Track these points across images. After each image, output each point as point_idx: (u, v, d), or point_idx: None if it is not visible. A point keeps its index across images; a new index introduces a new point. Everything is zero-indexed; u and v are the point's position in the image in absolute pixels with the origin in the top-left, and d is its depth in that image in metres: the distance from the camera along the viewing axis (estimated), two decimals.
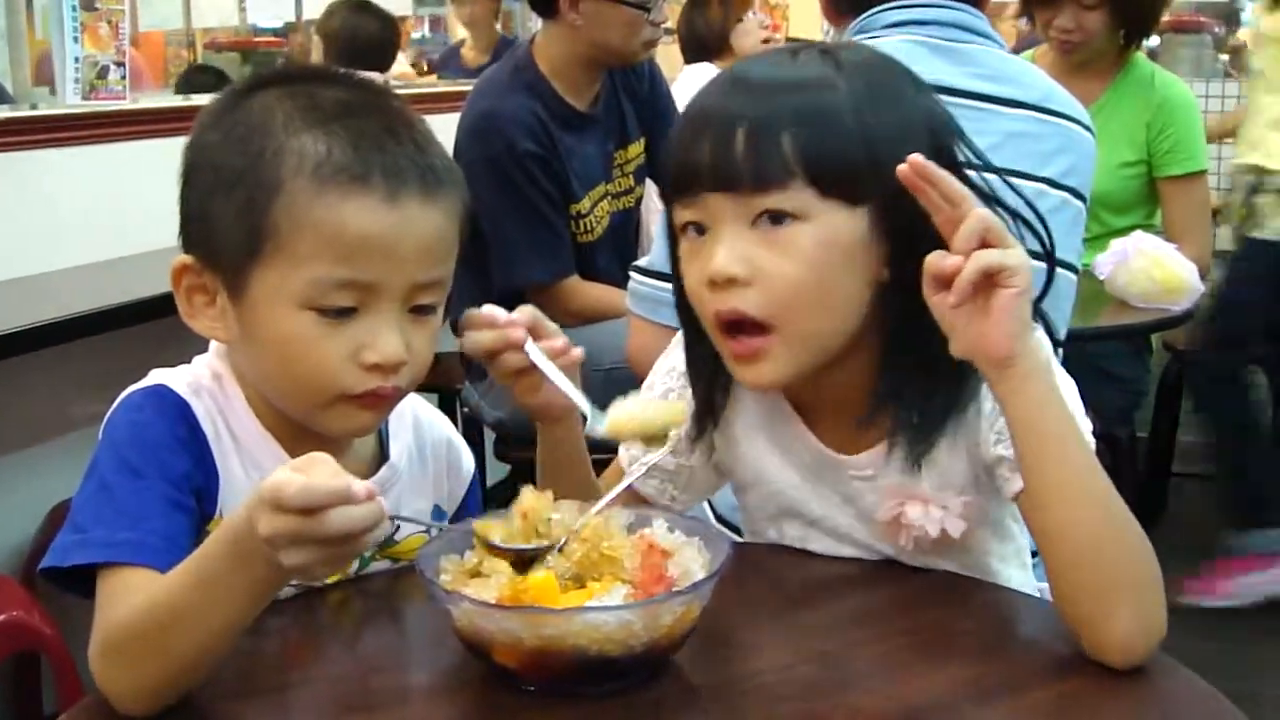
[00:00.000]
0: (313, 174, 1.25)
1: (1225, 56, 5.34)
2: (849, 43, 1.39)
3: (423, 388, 4.28)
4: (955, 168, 1.32)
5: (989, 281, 1.18)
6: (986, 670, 1.24)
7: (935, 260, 1.20)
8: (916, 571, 1.43)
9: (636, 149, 3.30)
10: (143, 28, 6.80)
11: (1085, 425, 1.29)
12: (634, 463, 1.48)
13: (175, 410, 1.31)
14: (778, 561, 1.48)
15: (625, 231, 3.34)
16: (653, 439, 1.33)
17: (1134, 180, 3.70)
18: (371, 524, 1.05)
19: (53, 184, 3.04)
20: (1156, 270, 3.10)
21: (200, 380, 1.35)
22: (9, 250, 2.97)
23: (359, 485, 1.03)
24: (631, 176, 3.30)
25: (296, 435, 1.35)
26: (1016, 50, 3.46)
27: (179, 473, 1.28)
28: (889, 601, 1.37)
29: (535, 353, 1.38)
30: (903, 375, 1.34)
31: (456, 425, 3.87)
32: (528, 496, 1.27)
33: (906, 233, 1.27)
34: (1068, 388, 1.31)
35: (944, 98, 1.99)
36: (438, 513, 1.48)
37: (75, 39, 3.29)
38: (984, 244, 1.18)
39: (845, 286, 1.31)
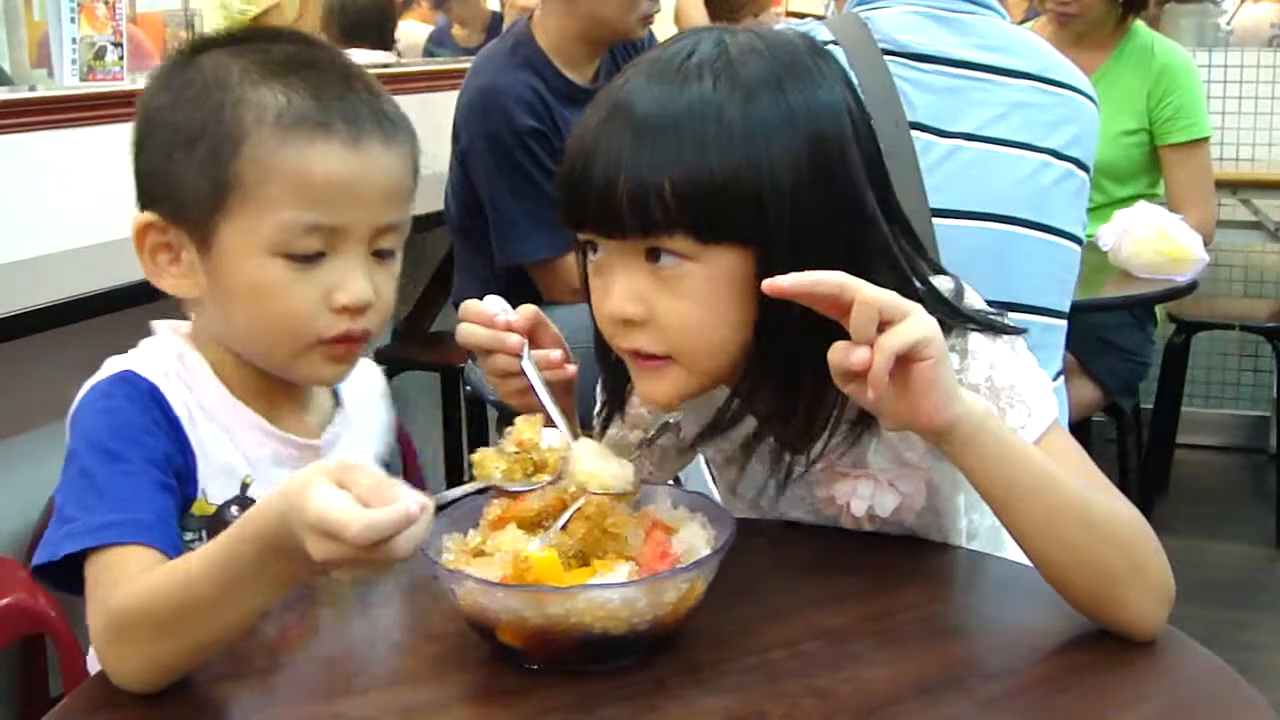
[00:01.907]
0: (275, 122, 1.28)
1: (1227, 26, 5.31)
2: (749, 36, 1.32)
3: (425, 366, 4.26)
4: (849, 181, 1.29)
5: (902, 361, 1.12)
6: (994, 643, 1.24)
7: (840, 358, 1.12)
8: (923, 545, 1.42)
9: None
10: (141, 8, 6.77)
11: (1043, 418, 1.28)
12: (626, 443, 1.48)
13: (147, 395, 1.31)
14: (782, 536, 1.47)
15: None
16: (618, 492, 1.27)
17: (1136, 149, 3.69)
18: (427, 533, 1.05)
19: (51, 166, 3.03)
20: (1161, 241, 3.09)
21: (163, 363, 1.35)
22: (7, 233, 2.97)
23: (414, 503, 1.02)
24: None
25: (266, 394, 1.38)
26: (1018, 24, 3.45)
27: (160, 454, 1.28)
28: (895, 575, 1.37)
29: (531, 370, 1.36)
30: (759, 392, 1.32)
31: (459, 404, 3.91)
32: (521, 427, 1.28)
33: (787, 262, 1.20)
34: (1037, 387, 1.30)
35: (948, 69, 2.00)
36: (379, 465, 1.49)
37: (72, 20, 3.28)
38: (883, 322, 1.11)
39: (738, 319, 1.28)
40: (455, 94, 3.15)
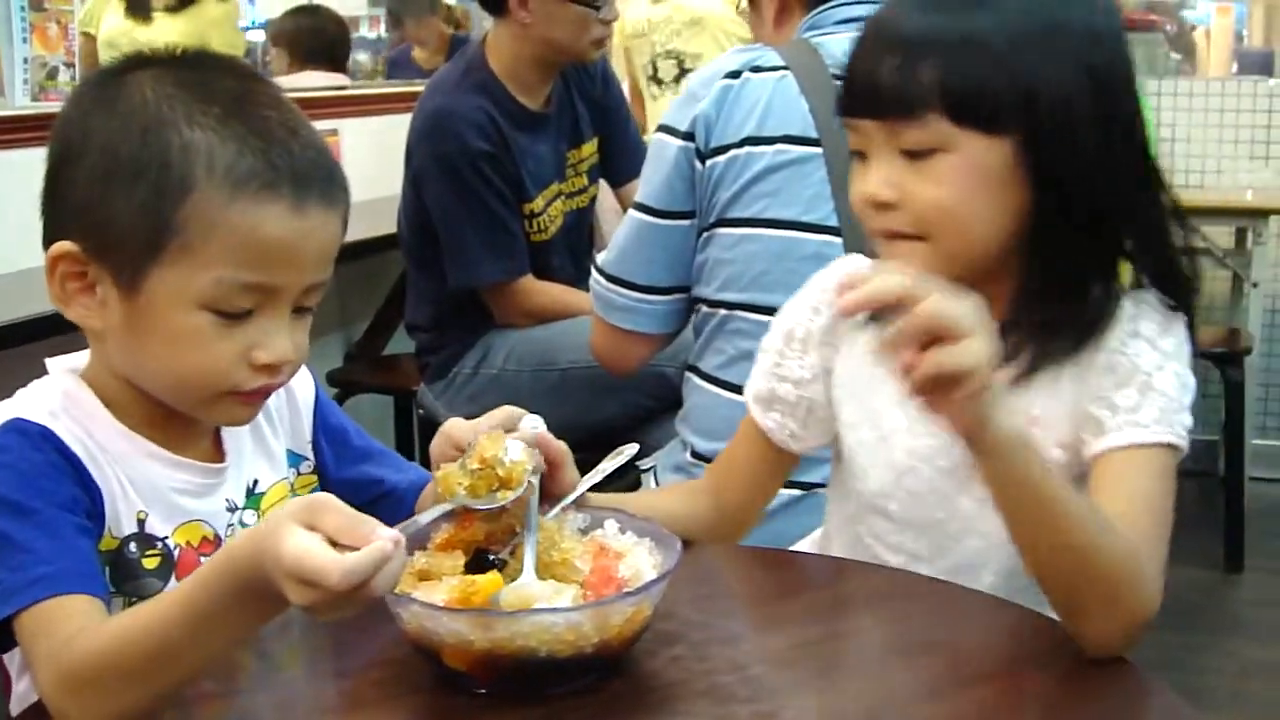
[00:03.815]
0: (224, 177, 1.23)
1: (1178, 56, 5.37)
2: None
3: (378, 389, 4.19)
4: (1110, 107, 1.36)
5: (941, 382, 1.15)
6: (936, 668, 1.24)
7: (889, 346, 1.16)
8: (872, 570, 1.43)
9: (590, 148, 3.29)
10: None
11: (1153, 431, 1.32)
12: None
13: (41, 439, 1.26)
14: (731, 562, 1.48)
15: (579, 231, 3.33)
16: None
17: None
18: (403, 567, 1.05)
19: (3, 185, 3.01)
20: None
21: (52, 404, 1.30)
22: None
23: (388, 541, 1.01)
24: (585, 176, 3.29)
25: (164, 424, 1.34)
26: None
27: (68, 496, 1.24)
28: (842, 601, 1.37)
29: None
30: (1037, 299, 1.38)
31: (412, 428, 3.90)
32: (484, 443, 1.27)
33: (1051, 164, 1.33)
34: (1172, 403, 1.34)
35: None
36: (292, 457, 1.47)
37: (24, 40, 3.27)
38: (940, 337, 1.13)
39: (989, 211, 1.35)
40: (410, 117, 3.15)
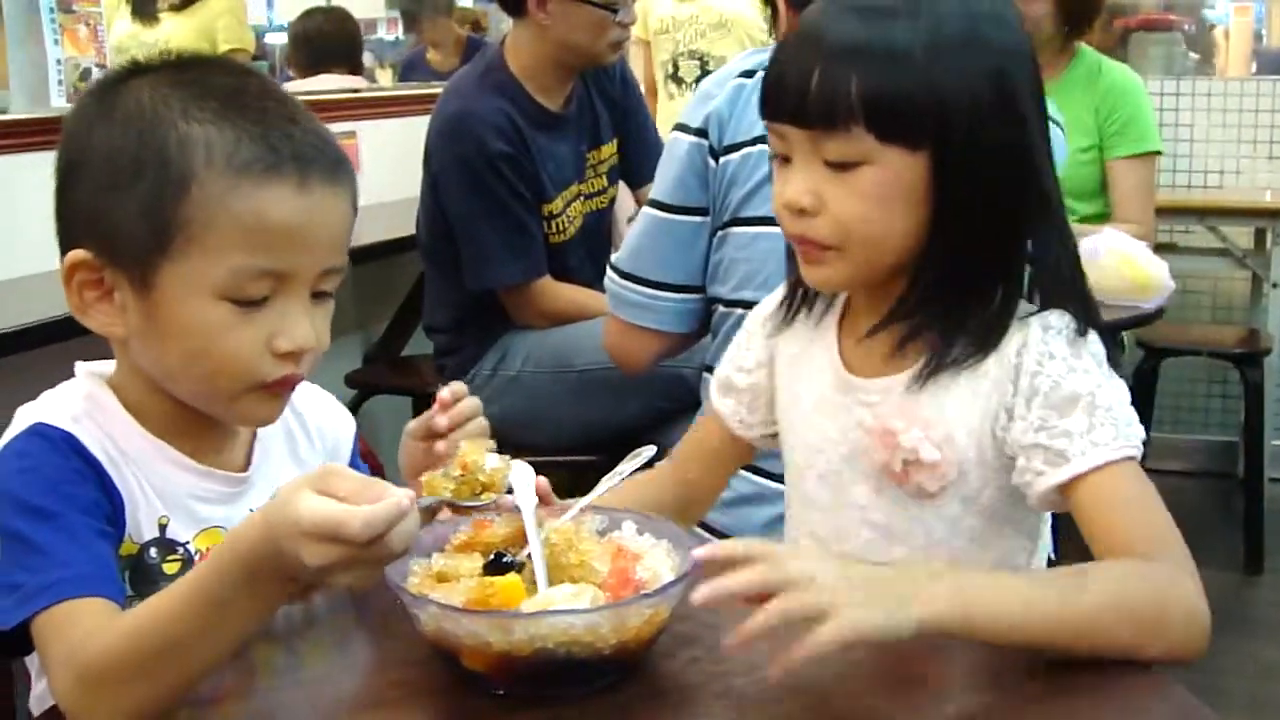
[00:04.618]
0: (225, 165, 1.24)
1: (1196, 55, 5.36)
2: None
3: (396, 390, 4.20)
4: (1016, 124, 1.35)
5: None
6: (952, 669, 1.24)
7: (747, 641, 1.12)
8: None
9: (609, 149, 3.30)
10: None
11: (1106, 449, 1.32)
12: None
13: (64, 444, 1.27)
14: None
15: (598, 232, 3.34)
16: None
17: (1090, 165, 3.78)
18: (418, 527, 1.07)
19: (36, 187, 3.01)
20: (1126, 268, 3.11)
21: (75, 408, 1.31)
22: None
23: (404, 497, 1.04)
24: (605, 177, 3.30)
25: (189, 431, 1.35)
26: None
27: (89, 501, 1.25)
28: None
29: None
30: (931, 306, 1.38)
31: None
32: (467, 449, 1.32)
33: (958, 175, 1.33)
34: (1108, 415, 1.33)
35: None
36: None
37: (55, 42, 3.28)
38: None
39: (904, 222, 1.36)
40: (428, 119, 3.15)
